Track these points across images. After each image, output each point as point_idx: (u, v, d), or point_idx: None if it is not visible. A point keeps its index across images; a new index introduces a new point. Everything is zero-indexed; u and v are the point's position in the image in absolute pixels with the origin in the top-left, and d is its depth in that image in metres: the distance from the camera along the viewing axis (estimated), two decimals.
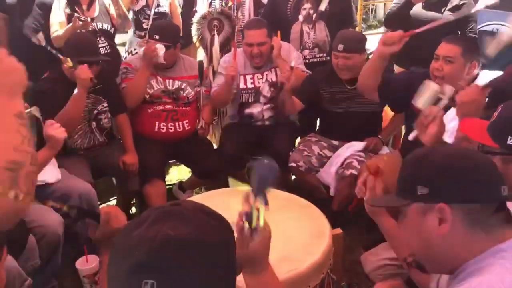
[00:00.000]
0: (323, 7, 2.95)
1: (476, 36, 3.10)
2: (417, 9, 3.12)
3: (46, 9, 2.97)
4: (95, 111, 2.68)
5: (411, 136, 1.72)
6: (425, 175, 1.02)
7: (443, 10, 3.07)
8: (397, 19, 3.23)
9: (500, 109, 1.34)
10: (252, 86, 2.97)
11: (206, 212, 0.84)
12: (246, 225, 1.04)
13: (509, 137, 1.27)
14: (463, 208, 0.98)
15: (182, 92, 2.86)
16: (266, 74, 2.97)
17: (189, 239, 0.77)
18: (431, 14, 3.08)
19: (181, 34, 3.10)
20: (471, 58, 2.19)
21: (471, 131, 1.43)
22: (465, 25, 3.07)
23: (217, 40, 3.18)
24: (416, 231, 1.04)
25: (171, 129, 2.86)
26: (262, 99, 2.98)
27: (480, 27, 3.35)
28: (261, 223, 1.05)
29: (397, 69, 3.45)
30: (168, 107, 2.84)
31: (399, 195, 1.07)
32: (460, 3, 3.05)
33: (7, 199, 0.94)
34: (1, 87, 1.02)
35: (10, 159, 0.96)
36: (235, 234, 1.01)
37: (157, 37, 2.71)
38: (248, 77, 2.97)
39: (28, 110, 2.32)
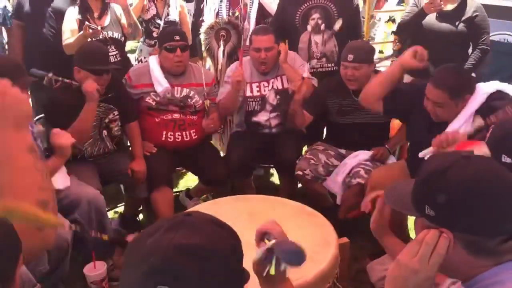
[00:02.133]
0: (337, 26, 2.96)
1: (488, 48, 3.10)
2: (431, 20, 3.13)
3: (61, 17, 3.02)
4: (106, 120, 2.70)
5: (422, 154, 1.69)
6: (434, 198, 0.97)
7: (457, 23, 3.07)
8: (409, 29, 3.27)
9: (491, 129, 1.36)
10: (258, 94, 2.99)
11: (215, 222, 0.87)
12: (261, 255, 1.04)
13: (503, 155, 1.28)
14: (467, 238, 0.95)
15: (189, 100, 2.88)
16: (272, 82, 2.98)
17: (200, 247, 0.80)
18: (445, 25, 3.09)
19: (190, 43, 3.15)
20: (461, 96, 2.15)
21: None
22: (478, 36, 3.08)
23: (221, 50, 3.21)
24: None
25: (178, 138, 2.87)
26: (268, 107, 3.00)
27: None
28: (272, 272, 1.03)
29: (407, 78, 3.46)
30: (175, 116, 2.86)
31: (412, 202, 1.04)
32: (473, 15, 3.06)
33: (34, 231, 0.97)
34: (7, 120, 1.05)
35: (39, 198, 1.00)
36: (253, 265, 1.05)
37: (177, 37, 2.76)
38: (254, 85, 2.99)
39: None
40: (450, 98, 2.13)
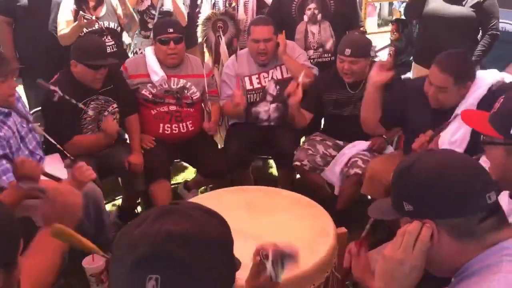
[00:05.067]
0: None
1: (498, 33, 3.09)
2: (439, 4, 3.12)
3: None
4: (105, 113, 2.69)
5: None
6: (408, 193, 1.02)
7: (464, 3, 3.06)
8: (415, 8, 3.27)
9: (502, 100, 1.34)
10: (259, 85, 2.98)
11: (204, 210, 0.86)
12: (269, 268, 1.06)
13: None
14: (448, 223, 0.98)
15: (186, 92, 2.87)
16: (272, 72, 2.98)
17: (190, 234, 0.78)
18: (453, 9, 3.07)
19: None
20: (464, 82, 2.17)
21: (474, 122, 1.42)
22: (487, 22, 3.06)
23: (223, 40, 3.19)
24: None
25: (175, 130, 2.87)
26: (268, 97, 3.00)
27: None
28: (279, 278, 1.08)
29: (415, 67, 3.45)
30: (171, 108, 2.86)
31: (392, 206, 1.08)
32: (482, 0, 3.04)
33: None
34: (60, 221, 1.27)
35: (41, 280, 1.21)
36: (252, 267, 1.08)
37: (171, 30, 2.73)
38: (253, 77, 2.98)
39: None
40: (454, 83, 2.15)
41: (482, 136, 1.36)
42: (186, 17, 3.45)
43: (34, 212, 2.09)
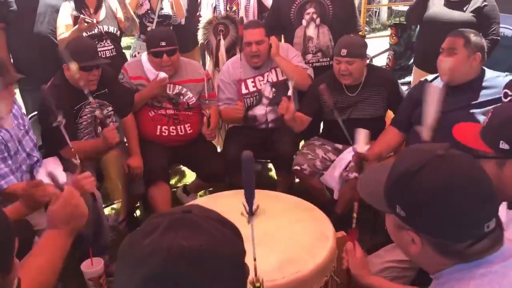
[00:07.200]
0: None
1: (498, 38, 3.11)
2: (439, 8, 3.14)
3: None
4: (101, 116, 2.69)
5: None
6: (406, 200, 0.98)
7: (465, 8, 3.07)
8: (415, 14, 3.28)
9: (490, 114, 1.36)
10: (254, 89, 2.98)
11: (216, 219, 0.82)
12: None
13: (501, 142, 1.29)
14: (436, 241, 0.96)
15: (182, 98, 2.86)
16: (267, 75, 2.98)
17: (204, 251, 0.74)
18: (454, 13, 3.09)
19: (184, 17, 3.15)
20: (474, 50, 2.24)
21: (465, 138, 1.43)
22: (488, 27, 3.07)
23: (223, 44, 3.19)
24: (394, 236, 1.08)
25: (173, 132, 2.87)
26: (264, 101, 3.00)
27: None
28: None
29: (416, 71, 3.45)
30: (169, 111, 2.86)
31: (385, 200, 1.05)
32: (482, 5, 3.05)
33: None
34: (66, 226, 1.32)
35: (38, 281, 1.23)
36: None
37: (163, 43, 2.70)
38: (249, 81, 2.98)
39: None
40: (464, 45, 2.23)
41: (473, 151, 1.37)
42: (184, 20, 3.46)
43: (32, 214, 2.09)
